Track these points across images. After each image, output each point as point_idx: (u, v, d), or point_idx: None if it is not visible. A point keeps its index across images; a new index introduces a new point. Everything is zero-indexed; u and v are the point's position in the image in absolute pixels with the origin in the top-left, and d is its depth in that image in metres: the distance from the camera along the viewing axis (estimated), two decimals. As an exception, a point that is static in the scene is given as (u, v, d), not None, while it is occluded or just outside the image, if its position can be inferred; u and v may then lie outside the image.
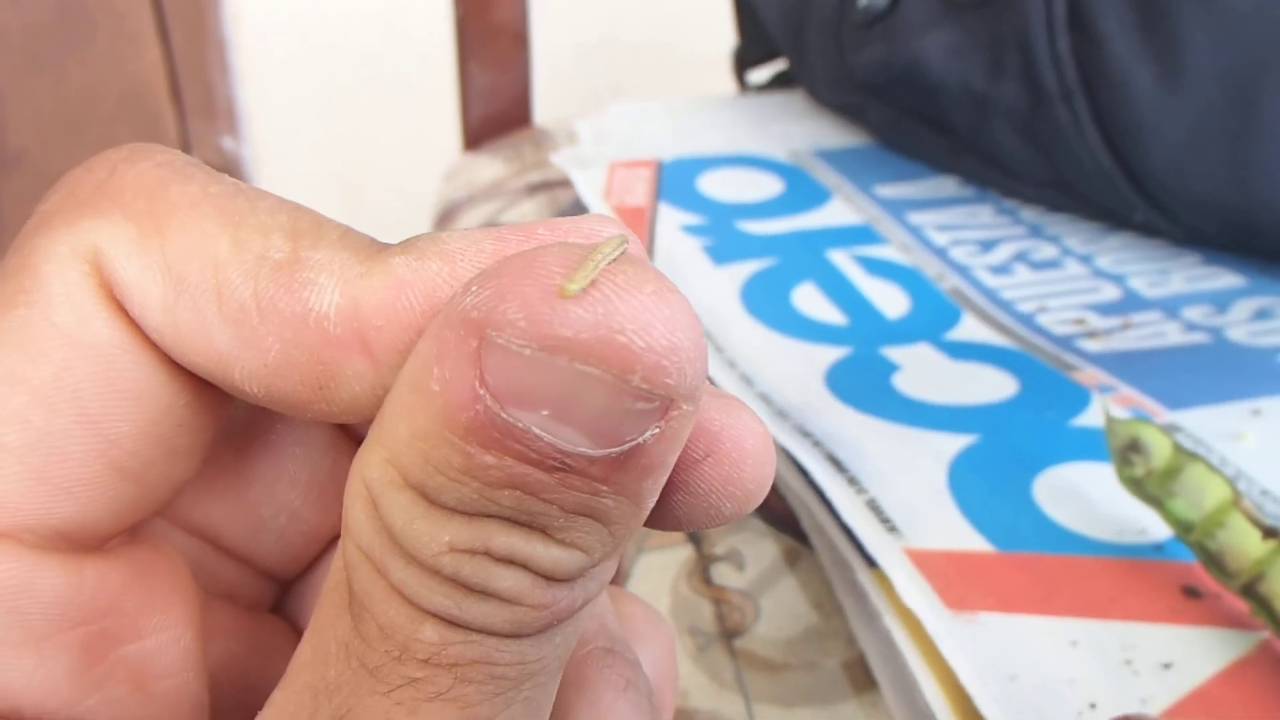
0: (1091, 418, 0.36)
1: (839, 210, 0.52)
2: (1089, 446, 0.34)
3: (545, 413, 0.11)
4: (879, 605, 0.28)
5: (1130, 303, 0.45)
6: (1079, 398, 0.37)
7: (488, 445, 0.12)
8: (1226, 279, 0.47)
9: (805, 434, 0.34)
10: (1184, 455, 0.28)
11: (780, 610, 0.31)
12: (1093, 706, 0.25)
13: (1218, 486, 0.27)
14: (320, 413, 0.14)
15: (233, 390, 0.14)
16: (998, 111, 0.50)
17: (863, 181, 0.54)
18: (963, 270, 0.47)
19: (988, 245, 0.50)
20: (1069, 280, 0.47)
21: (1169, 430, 0.34)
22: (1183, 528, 0.28)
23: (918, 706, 0.26)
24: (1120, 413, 0.36)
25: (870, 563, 0.29)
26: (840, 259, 0.47)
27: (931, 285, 0.46)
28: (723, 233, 0.49)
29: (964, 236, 0.50)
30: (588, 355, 0.11)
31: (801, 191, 0.53)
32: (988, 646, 0.26)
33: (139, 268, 0.13)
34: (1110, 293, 0.46)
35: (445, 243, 0.13)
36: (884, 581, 0.28)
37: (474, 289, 0.12)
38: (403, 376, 0.12)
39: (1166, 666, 0.26)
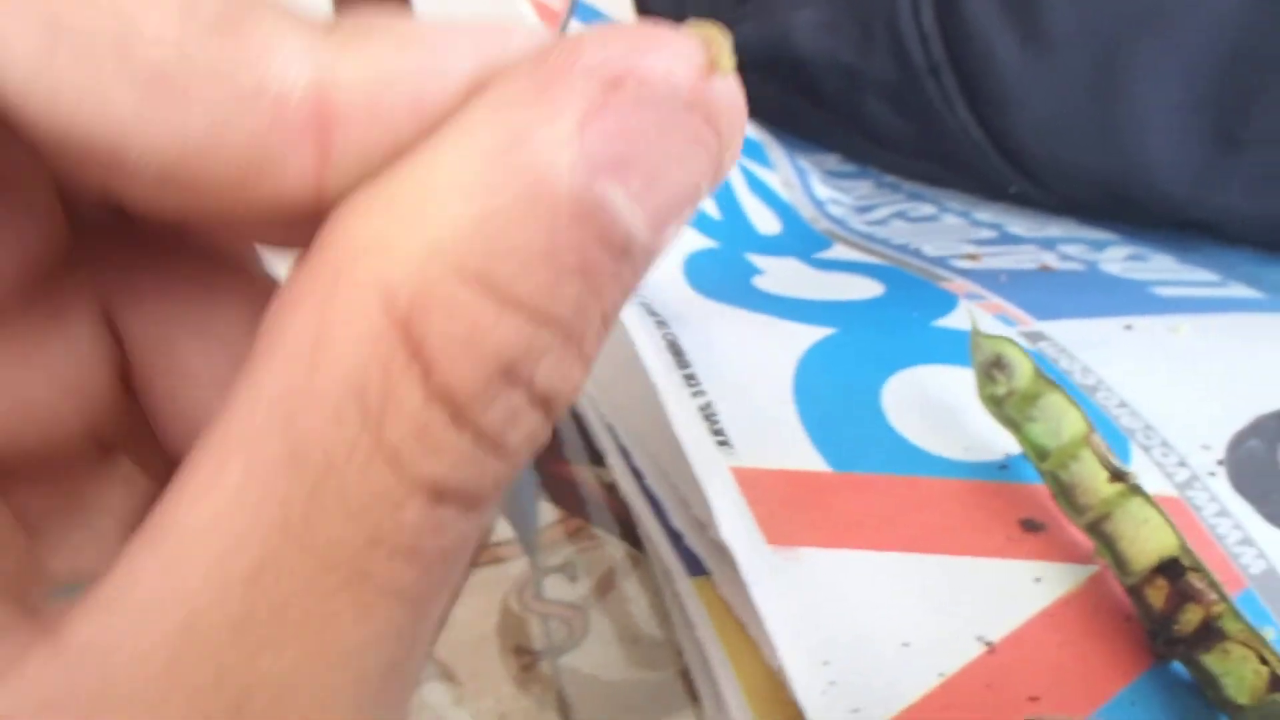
0: (956, 320, 0.35)
1: None
2: (949, 349, 0.33)
3: (636, 185, 0.11)
4: (696, 616, 0.27)
5: (1007, 240, 0.45)
6: (945, 301, 0.37)
7: (579, 215, 0.11)
8: (1103, 234, 0.47)
9: (652, 313, 0.33)
10: (1044, 382, 0.27)
11: (612, 622, 0.30)
12: (905, 645, 0.24)
13: (1075, 418, 0.26)
14: (226, 207, 0.11)
15: (106, 170, 0.11)
16: (869, 86, 0.50)
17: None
18: (838, 221, 0.47)
19: (864, 209, 0.50)
20: (948, 229, 0.47)
21: (1034, 337, 0.33)
22: (1038, 455, 0.27)
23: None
24: (988, 324, 0.35)
25: (692, 571, 0.28)
26: (728, 157, 0.47)
27: (805, 223, 0.45)
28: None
29: (842, 199, 0.50)
30: (721, 122, 0.12)
31: None
32: (805, 590, 0.25)
33: None
34: (987, 234, 0.46)
35: (428, 35, 0.12)
36: (705, 590, 0.27)
37: (596, 48, 0.11)
38: (452, 143, 0.11)
39: (993, 603, 0.25)
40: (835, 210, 0.48)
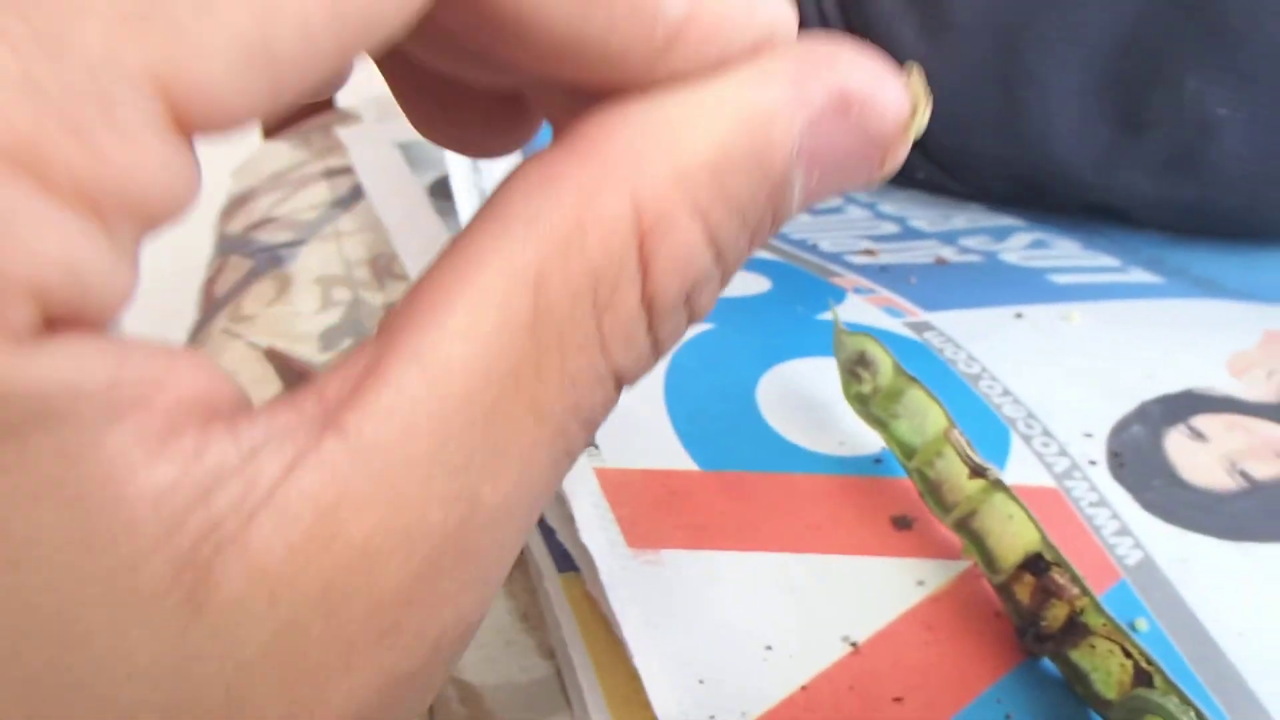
0: (845, 313, 0.35)
1: None
2: (831, 342, 0.32)
3: (813, 180, 0.15)
4: (561, 614, 0.26)
5: (909, 235, 0.45)
6: (833, 295, 0.36)
7: (777, 189, 0.15)
8: (1008, 221, 0.47)
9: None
10: (905, 378, 0.26)
11: (488, 622, 0.29)
12: (769, 649, 0.24)
13: (936, 414, 0.26)
14: (576, 79, 0.15)
15: (511, 52, 0.14)
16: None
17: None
18: None
19: None
20: (850, 223, 0.47)
21: (920, 328, 0.33)
22: (905, 453, 0.27)
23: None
24: (875, 317, 0.35)
25: (562, 567, 0.27)
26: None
27: None
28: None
29: None
30: (888, 166, 0.16)
31: None
32: (667, 593, 0.25)
33: None
34: (889, 229, 0.46)
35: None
36: (573, 587, 0.26)
37: (845, 65, 0.15)
38: (715, 97, 0.15)
39: (860, 602, 0.25)
40: None
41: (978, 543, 0.25)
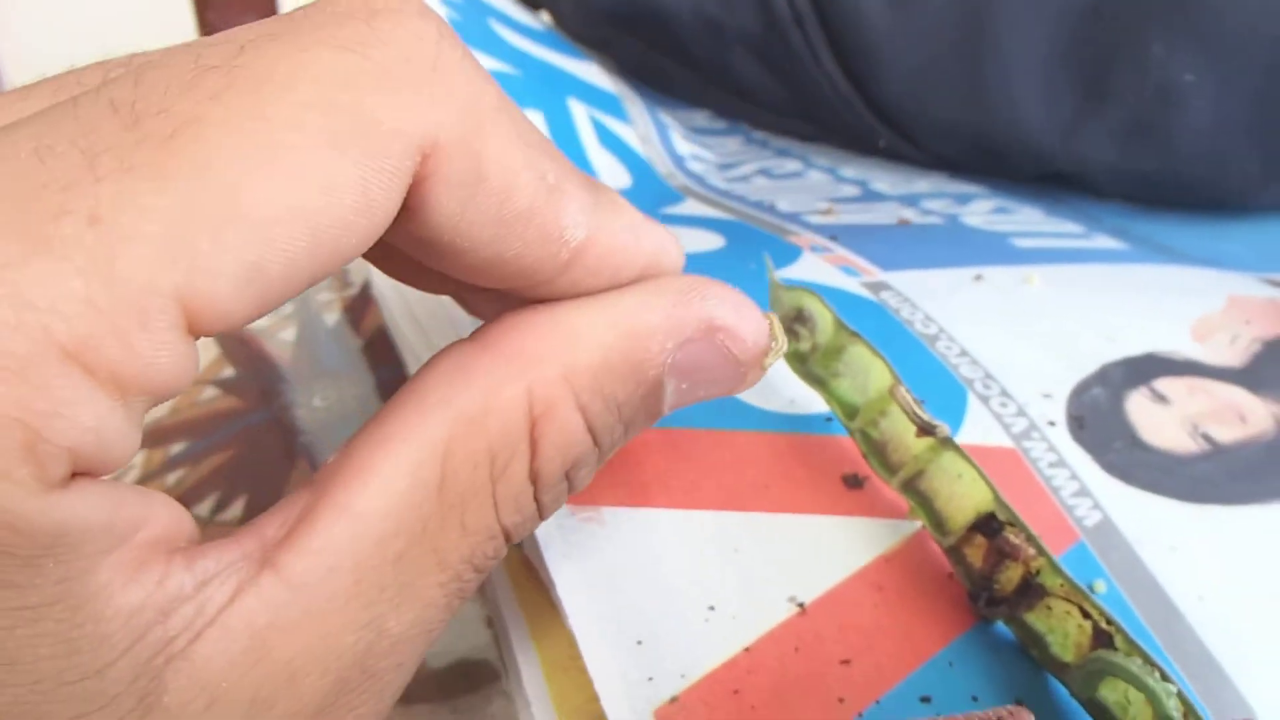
0: (799, 270, 0.34)
1: (595, 72, 0.49)
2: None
3: (684, 387, 0.20)
4: (496, 581, 0.25)
5: (870, 197, 0.44)
6: (788, 253, 0.35)
7: (650, 393, 0.19)
8: (971, 189, 0.46)
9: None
10: (847, 333, 0.25)
11: None
12: (711, 609, 0.23)
13: (880, 370, 0.25)
14: (496, 286, 0.18)
15: (444, 265, 0.17)
16: (734, 39, 0.48)
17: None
18: (696, 178, 0.45)
19: (727, 167, 0.48)
20: (810, 187, 0.46)
21: (876, 288, 0.32)
22: (847, 413, 0.26)
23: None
24: (831, 276, 0.34)
25: None
26: (578, 111, 0.44)
27: (659, 179, 0.44)
28: (473, 22, 0.45)
29: (705, 155, 0.48)
30: (749, 381, 0.21)
31: (561, 42, 0.50)
32: (607, 552, 0.24)
33: (460, 168, 0.16)
34: (850, 191, 0.45)
35: (648, 230, 0.20)
36: (510, 556, 0.26)
37: (714, 300, 0.20)
38: (602, 315, 0.18)
39: (808, 562, 0.24)
40: (695, 167, 0.47)
41: (925, 505, 0.24)
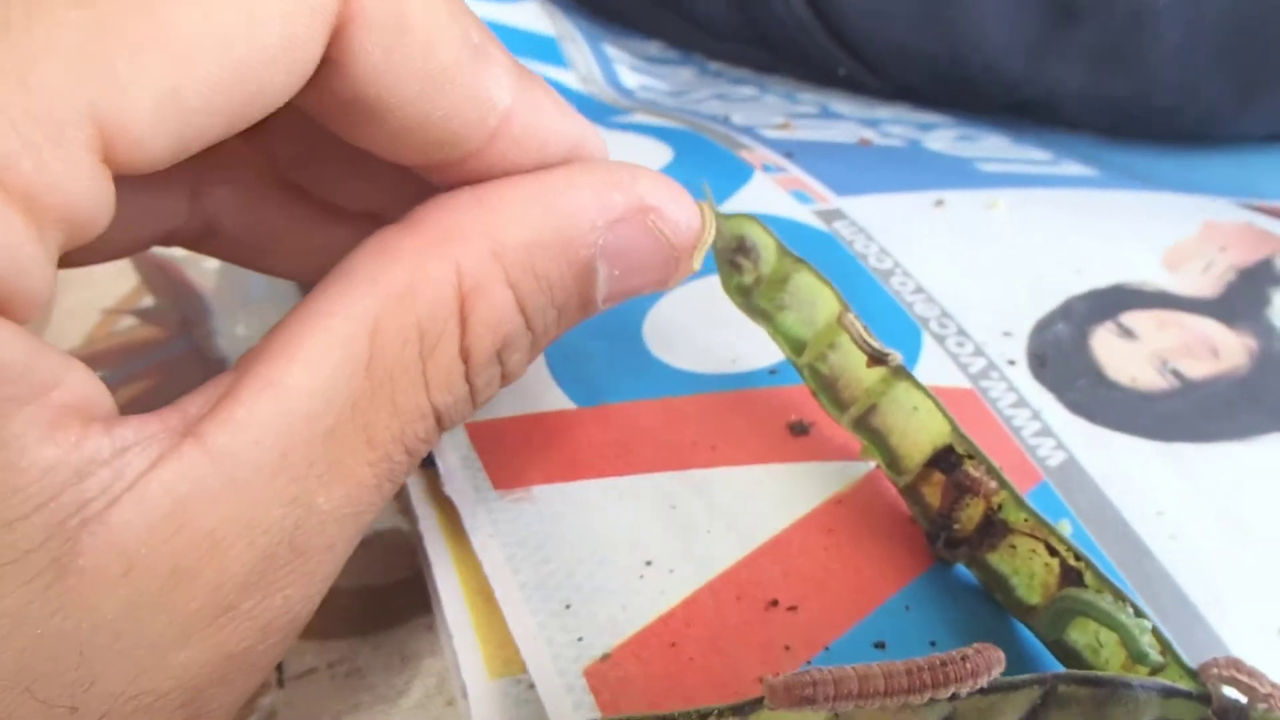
0: (750, 194, 0.32)
1: (531, 13, 0.47)
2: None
3: (616, 273, 0.19)
4: (433, 553, 0.24)
5: (827, 115, 0.43)
6: (739, 172, 0.34)
7: (581, 275, 0.19)
8: (934, 118, 0.45)
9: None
10: (791, 260, 0.24)
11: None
12: (648, 564, 0.22)
13: (827, 297, 0.23)
14: (431, 166, 0.18)
15: (369, 134, 0.17)
16: (688, -40, 0.47)
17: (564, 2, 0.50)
18: (645, 104, 0.44)
19: (679, 95, 0.46)
20: (767, 108, 0.44)
21: (829, 217, 0.31)
22: (794, 348, 0.24)
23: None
24: (783, 202, 0.32)
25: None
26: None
27: (604, 104, 0.42)
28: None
29: (655, 85, 0.47)
30: (681, 269, 0.21)
31: None
32: (537, 526, 0.23)
33: (382, 14, 0.16)
34: (808, 109, 0.44)
35: (572, 111, 0.20)
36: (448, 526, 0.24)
37: (644, 181, 0.19)
38: (530, 192, 0.18)
39: (752, 511, 0.23)
40: (646, 96, 0.46)
41: (879, 442, 0.23)
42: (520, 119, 0.18)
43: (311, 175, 0.22)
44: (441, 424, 0.18)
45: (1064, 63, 0.41)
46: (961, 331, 0.28)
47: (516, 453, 0.24)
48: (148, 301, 0.36)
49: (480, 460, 0.24)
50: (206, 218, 0.22)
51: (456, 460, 0.24)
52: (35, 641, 0.14)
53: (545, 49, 0.46)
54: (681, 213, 0.20)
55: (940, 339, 0.28)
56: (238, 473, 0.15)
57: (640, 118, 0.39)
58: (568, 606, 0.21)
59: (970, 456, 0.22)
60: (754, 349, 0.27)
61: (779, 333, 0.24)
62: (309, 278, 0.23)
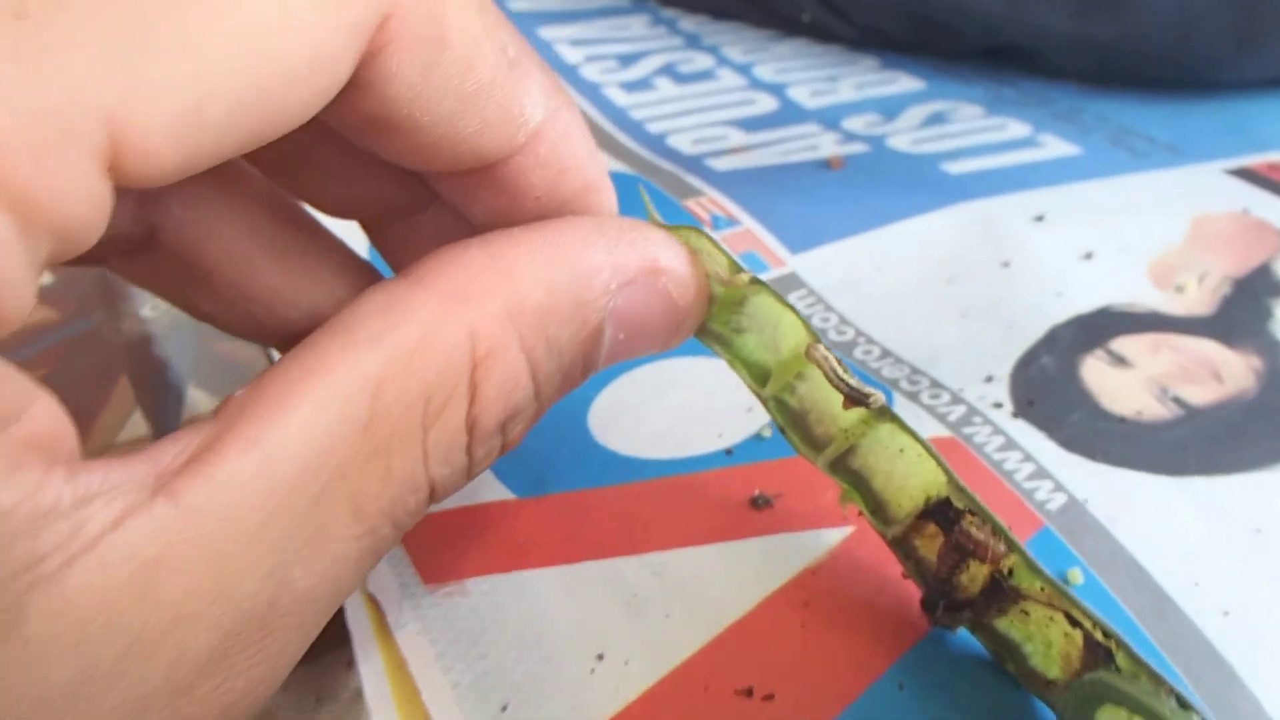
0: None
1: None
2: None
3: (621, 335, 0.19)
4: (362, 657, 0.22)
5: (786, 114, 0.41)
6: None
7: (590, 338, 0.18)
8: (904, 83, 0.43)
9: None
10: (747, 280, 0.21)
11: None
12: (599, 658, 0.20)
13: (791, 323, 0.21)
14: (450, 174, 0.18)
15: (392, 146, 0.17)
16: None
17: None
18: (590, 89, 0.43)
19: (629, 60, 0.45)
20: (720, 93, 0.43)
21: (786, 285, 0.29)
22: (757, 376, 0.21)
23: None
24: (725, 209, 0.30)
25: None
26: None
27: None
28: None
29: (602, 51, 0.46)
30: (686, 330, 0.20)
31: None
32: (469, 622, 0.21)
33: (422, 32, 0.15)
34: (765, 105, 0.42)
35: (596, 149, 0.19)
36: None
37: (656, 241, 0.19)
38: (545, 249, 0.18)
39: (716, 592, 0.21)
40: (590, 73, 0.44)
41: (861, 486, 0.20)
42: (548, 139, 0.18)
43: (290, 171, 0.21)
44: (434, 497, 0.17)
45: (1046, 5, 0.39)
46: (935, 384, 0.27)
47: (450, 546, 0.23)
48: (43, 279, 0.33)
49: (409, 556, 0.22)
50: (148, 224, 0.19)
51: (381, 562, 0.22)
52: None
53: None
54: (691, 272, 0.19)
55: (913, 395, 0.26)
56: (212, 539, 0.14)
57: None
58: (504, 709, 0.19)
59: (971, 513, 0.19)
60: (707, 431, 0.25)
61: (737, 359, 0.21)
62: (262, 328, 0.21)
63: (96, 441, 0.27)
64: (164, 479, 0.14)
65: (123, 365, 0.30)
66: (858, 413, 0.20)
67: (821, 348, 0.20)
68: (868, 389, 0.20)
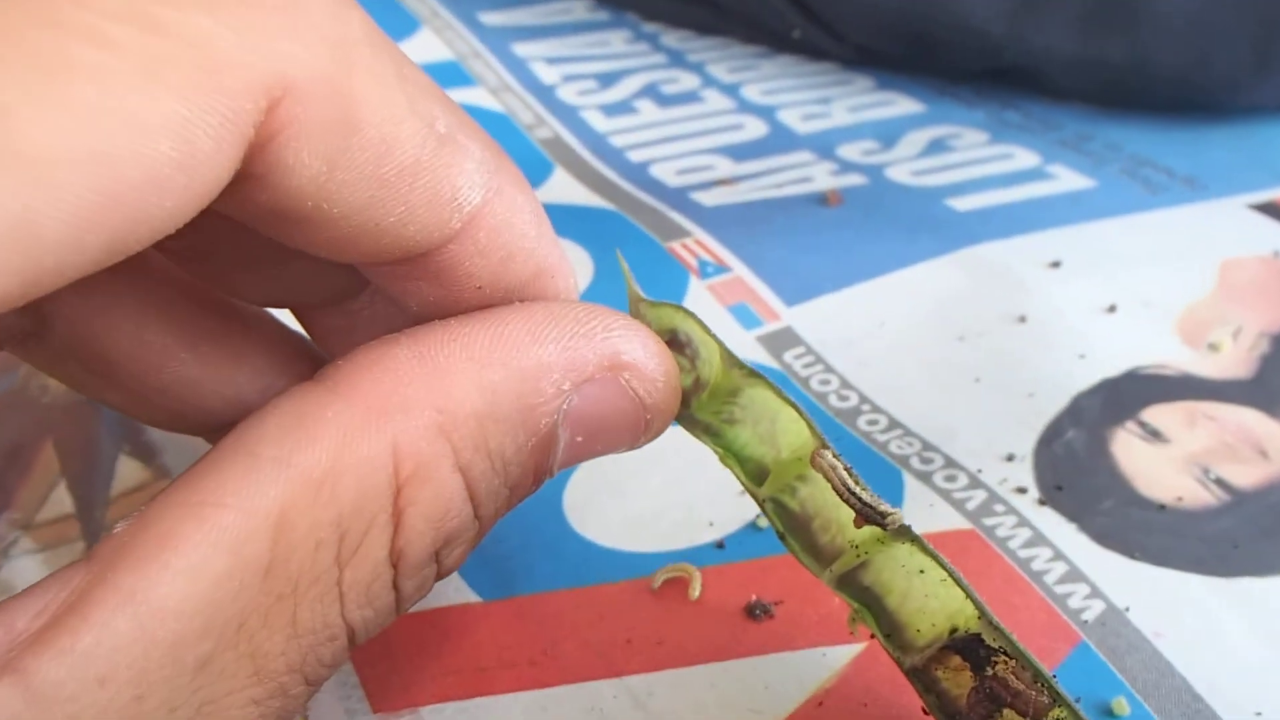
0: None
1: (427, 43, 0.47)
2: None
3: (579, 438, 0.17)
4: None
5: (777, 141, 0.39)
6: (674, 277, 0.31)
7: (540, 446, 0.16)
8: (901, 105, 0.41)
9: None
10: (741, 372, 0.19)
11: None
12: None
13: (790, 420, 0.19)
14: (374, 265, 0.16)
15: (303, 239, 0.15)
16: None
17: (463, 9, 0.49)
18: (568, 112, 0.42)
19: (608, 79, 0.44)
20: (706, 117, 0.41)
21: (779, 345, 0.28)
22: (752, 475, 0.19)
23: None
24: (724, 322, 0.29)
25: None
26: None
27: (521, 133, 0.40)
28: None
29: (580, 70, 0.45)
30: (654, 429, 0.18)
31: (382, 18, 0.46)
32: None
33: (325, 116, 0.14)
34: (754, 130, 0.40)
35: (548, 228, 0.18)
36: None
37: (618, 332, 0.17)
38: (485, 347, 0.16)
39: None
40: (567, 94, 0.43)
41: (874, 604, 0.18)
42: (488, 224, 0.16)
43: (198, 261, 0.19)
44: (354, 643, 0.15)
45: (1050, 21, 0.37)
46: (951, 462, 0.24)
47: (406, 662, 0.21)
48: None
49: (357, 675, 0.20)
50: (37, 313, 0.17)
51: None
52: None
53: (447, 75, 0.44)
54: (659, 367, 0.17)
55: (925, 477, 0.24)
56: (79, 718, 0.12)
57: (561, 189, 0.36)
58: None
59: (1006, 655, 0.17)
60: (696, 518, 0.23)
61: (729, 453, 0.19)
62: (182, 420, 0.19)
63: (16, 518, 0.25)
64: (14, 652, 0.12)
65: (48, 429, 0.28)
66: (866, 533, 0.18)
67: (829, 454, 0.18)
68: (885, 506, 0.17)
